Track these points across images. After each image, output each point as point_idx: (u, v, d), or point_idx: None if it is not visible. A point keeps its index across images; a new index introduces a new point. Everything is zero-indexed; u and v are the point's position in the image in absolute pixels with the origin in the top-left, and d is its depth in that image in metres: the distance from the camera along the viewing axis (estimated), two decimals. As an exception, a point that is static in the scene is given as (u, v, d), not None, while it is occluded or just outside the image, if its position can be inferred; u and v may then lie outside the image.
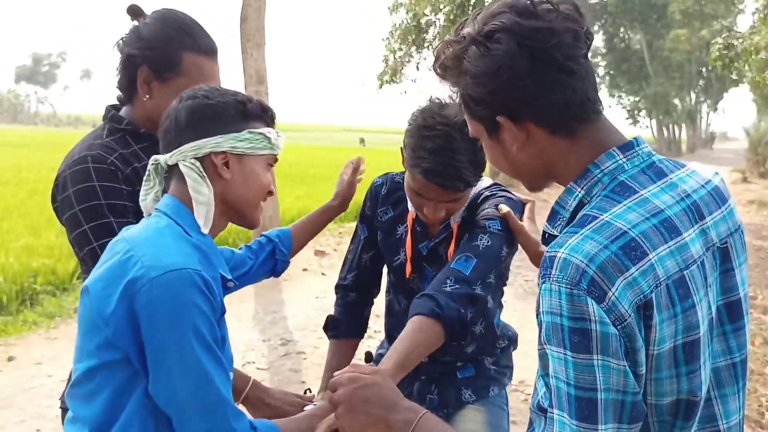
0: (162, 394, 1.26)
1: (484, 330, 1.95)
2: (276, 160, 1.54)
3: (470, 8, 18.18)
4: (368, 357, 1.76)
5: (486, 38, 1.06)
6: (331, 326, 2.07)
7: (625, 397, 0.97)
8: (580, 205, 1.09)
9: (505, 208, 1.78)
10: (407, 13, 19.89)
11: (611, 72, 47.21)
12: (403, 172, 1.94)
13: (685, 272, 1.00)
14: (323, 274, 8.24)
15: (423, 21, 20.08)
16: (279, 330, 6.09)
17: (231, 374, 1.41)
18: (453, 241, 1.87)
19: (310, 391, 1.90)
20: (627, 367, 0.96)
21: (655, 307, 0.97)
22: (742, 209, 15.47)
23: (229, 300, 2.25)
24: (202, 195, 1.40)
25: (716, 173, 1.20)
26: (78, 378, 1.32)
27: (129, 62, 1.76)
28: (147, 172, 1.47)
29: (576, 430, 0.97)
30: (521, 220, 1.79)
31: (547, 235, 1.15)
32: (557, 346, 0.98)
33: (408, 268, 1.94)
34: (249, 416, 1.40)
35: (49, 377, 4.80)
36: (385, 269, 2.11)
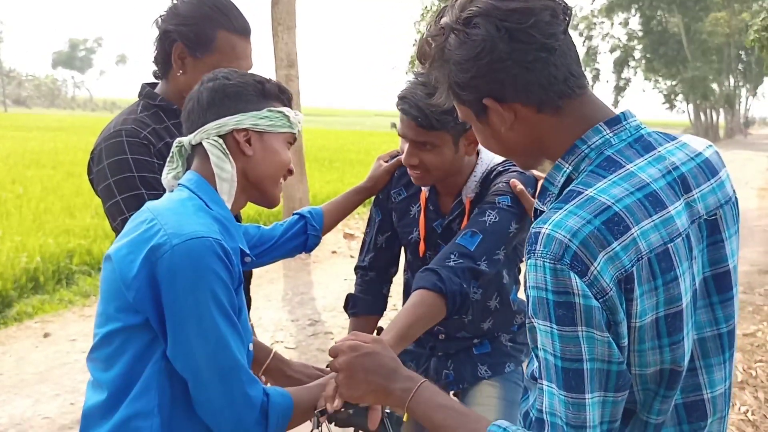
0: (179, 357, 1.30)
1: (500, 305, 1.97)
2: (295, 139, 1.56)
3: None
4: (379, 331, 1.79)
5: (464, 24, 1.07)
6: (350, 304, 2.11)
7: (610, 367, 0.99)
8: (569, 181, 1.10)
9: (519, 185, 1.78)
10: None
11: (648, 56, 46.42)
12: None
13: (669, 245, 1.01)
14: (351, 256, 8.28)
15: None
16: (307, 310, 6.16)
17: (250, 345, 1.45)
18: (466, 217, 1.88)
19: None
20: (610, 339, 0.98)
21: (636, 281, 0.98)
22: (780, 195, 15.13)
23: (259, 281, 2.31)
24: (225, 171, 1.45)
25: (710, 146, 1.19)
26: (97, 342, 1.37)
27: (165, 37, 1.82)
28: (171, 154, 1.52)
29: (564, 400, 0.99)
30: (534, 196, 1.80)
31: (538, 211, 1.16)
32: (543, 319, 1.00)
33: (422, 247, 1.97)
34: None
35: (83, 353, 4.90)
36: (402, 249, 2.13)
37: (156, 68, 1.90)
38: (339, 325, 5.71)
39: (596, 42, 47.09)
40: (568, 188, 1.06)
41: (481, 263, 1.69)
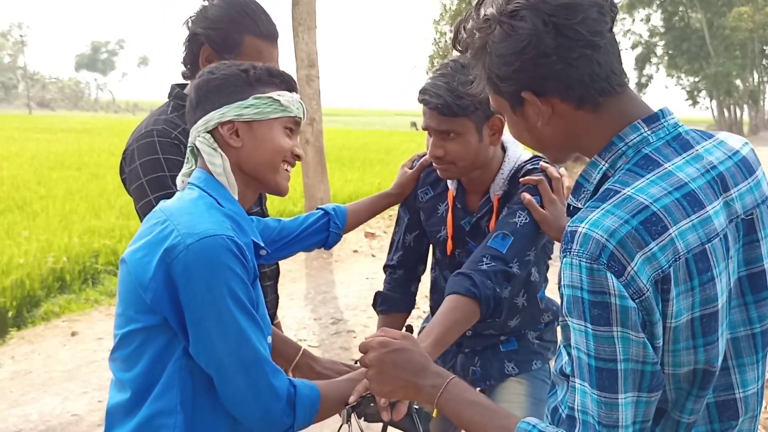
0: (202, 354, 1.32)
1: (527, 303, 1.97)
2: (296, 122, 1.52)
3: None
4: (409, 329, 1.80)
5: (510, 17, 1.06)
6: (379, 301, 2.12)
7: (644, 368, 0.98)
8: (604, 178, 1.10)
9: (527, 197, 1.78)
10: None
11: (670, 52, 45.97)
12: None
13: (706, 246, 1.00)
14: (373, 255, 8.31)
15: (474, 2, 19.91)
16: (330, 309, 6.19)
17: (269, 338, 1.46)
18: (494, 214, 1.89)
19: (358, 362, 1.95)
20: (645, 339, 0.98)
21: (673, 281, 0.98)
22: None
23: (282, 280, 2.33)
24: (217, 166, 1.45)
25: (746, 143, 1.18)
26: (118, 343, 1.38)
27: (193, 40, 1.84)
28: (186, 157, 1.53)
29: (597, 399, 0.99)
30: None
31: (571, 207, 1.15)
32: (578, 318, 1.00)
33: (449, 245, 1.97)
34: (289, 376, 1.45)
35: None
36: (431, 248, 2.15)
37: (185, 69, 1.92)
38: (361, 323, 5.73)
39: (618, 38, 46.35)
40: (605, 186, 1.06)
41: (513, 266, 1.70)
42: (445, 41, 20.94)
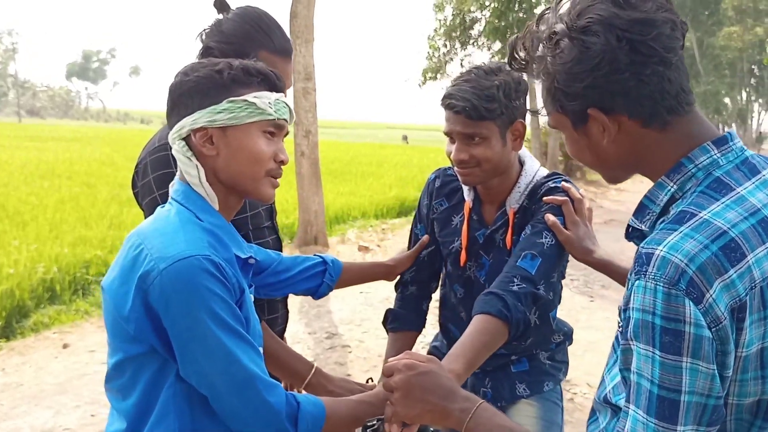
0: (192, 377, 1.28)
1: (539, 321, 1.94)
2: (277, 125, 1.41)
3: (516, 4, 18.06)
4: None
5: (582, 32, 1.03)
6: (390, 319, 2.09)
7: (708, 401, 0.96)
8: (672, 200, 1.07)
9: (552, 218, 1.76)
10: (453, 10, 19.83)
11: (660, 70, 46.34)
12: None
13: None
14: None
15: (468, 18, 20.02)
16: (324, 323, 6.14)
17: (260, 349, 1.40)
18: (510, 228, 1.87)
19: (372, 380, 1.91)
20: (715, 371, 0.95)
21: (748, 310, 0.96)
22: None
23: None
24: (192, 176, 1.38)
25: None
26: (110, 373, 1.35)
27: (206, 53, 1.82)
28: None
29: (654, 428, 0.96)
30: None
31: (631, 228, 1.13)
32: (645, 343, 0.97)
33: (463, 256, 1.95)
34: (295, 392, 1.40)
35: (103, 364, 4.89)
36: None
37: None
38: (356, 338, 5.69)
39: (608, 56, 46.87)
40: (679, 209, 1.04)
41: (540, 287, 1.68)
42: (439, 56, 21.03)
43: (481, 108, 1.73)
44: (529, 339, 1.94)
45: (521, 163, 1.91)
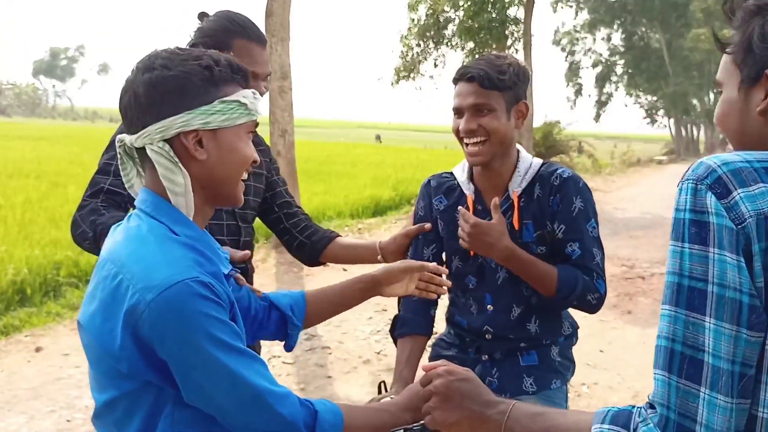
0: (199, 402, 1.23)
1: (539, 299, 1.98)
2: (256, 125, 1.38)
3: (489, 5, 18.13)
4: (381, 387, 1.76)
5: None
6: (398, 324, 2.08)
7: (741, 297, 0.94)
8: None
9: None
10: (427, 9, 19.85)
11: (629, 71, 46.86)
12: (448, 171, 2.13)
13: None
14: (344, 270, 8.22)
15: (442, 18, 20.04)
16: (302, 325, 6.08)
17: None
18: (516, 210, 1.95)
19: (385, 384, 1.88)
20: (743, 263, 0.94)
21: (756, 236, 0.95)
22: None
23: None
24: (178, 185, 1.26)
25: None
26: (100, 410, 1.28)
27: None
28: (119, 156, 1.34)
29: (684, 319, 0.97)
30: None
31: None
32: (675, 239, 1.00)
33: None
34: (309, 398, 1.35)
35: (77, 368, 4.82)
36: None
37: None
38: (336, 339, 5.65)
39: (579, 57, 47.34)
40: None
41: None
42: (412, 55, 21.02)
43: (495, 78, 1.88)
44: (527, 315, 2.00)
45: (518, 150, 2.01)
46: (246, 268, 2.20)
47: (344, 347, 5.47)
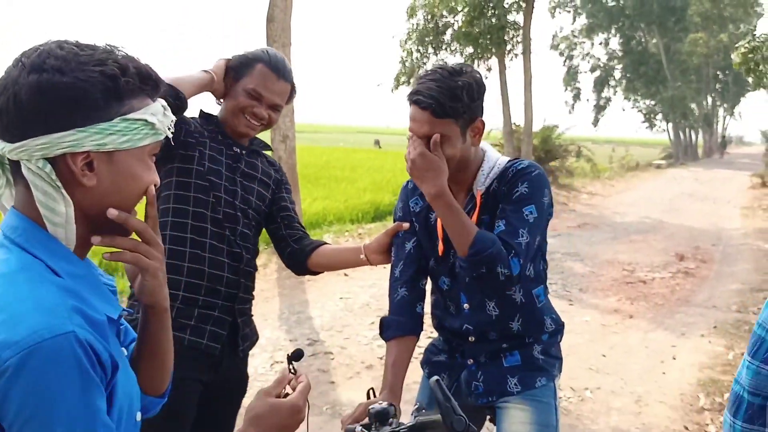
0: None
1: (524, 299, 1.99)
2: (160, 144, 1.14)
3: (488, 9, 18.19)
4: (297, 356, 1.75)
5: None
6: (384, 327, 2.07)
7: None
8: None
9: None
10: (425, 15, 19.90)
11: (627, 75, 46.97)
12: None
13: None
14: (346, 275, 8.24)
15: (441, 23, 20.10)
16: (305, 330, 6.10)
17: (138, 416, 1.17)
18: (477, 208, 1.97)
19: (373, 391, 1.90)
20: None
21: None
22: (763, 214, 15.33)
23: (254, 300, 2.32)
24: (58, 215, 1.05)
25: None
26: None
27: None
28: None
29: None
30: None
31: None
32: None
33: (440, 247, 2.03)
34: None
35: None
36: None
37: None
38: (338, 345, 5.66)
39: (577, 62, 47.41)
40: None
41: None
42: (411, 61, 21.06)
43: (446, 106, 1.84)
44: (511, 314, 2.00)
45: (484, 151, 2.03)
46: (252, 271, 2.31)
47: (347, 352, 5.49)
